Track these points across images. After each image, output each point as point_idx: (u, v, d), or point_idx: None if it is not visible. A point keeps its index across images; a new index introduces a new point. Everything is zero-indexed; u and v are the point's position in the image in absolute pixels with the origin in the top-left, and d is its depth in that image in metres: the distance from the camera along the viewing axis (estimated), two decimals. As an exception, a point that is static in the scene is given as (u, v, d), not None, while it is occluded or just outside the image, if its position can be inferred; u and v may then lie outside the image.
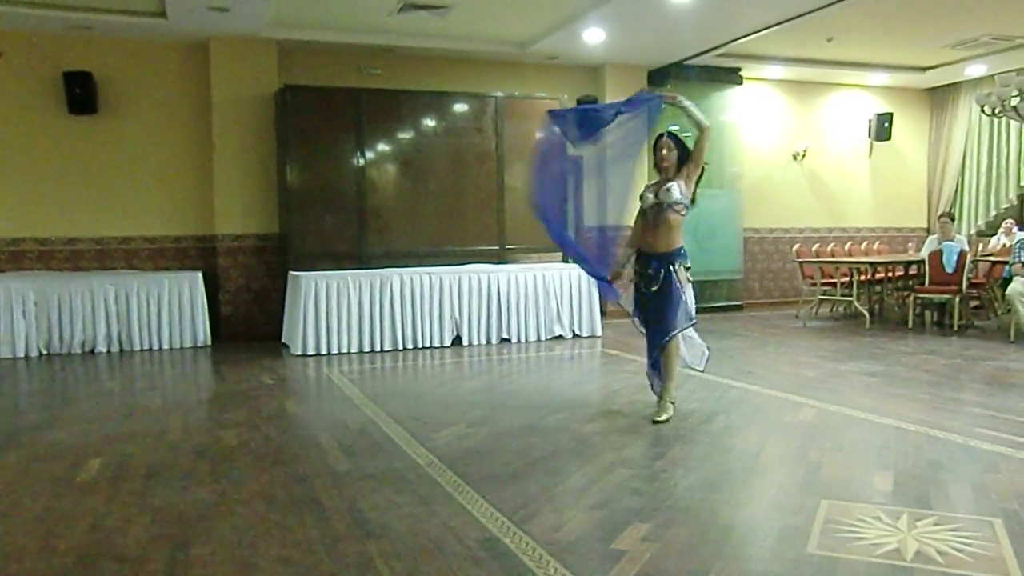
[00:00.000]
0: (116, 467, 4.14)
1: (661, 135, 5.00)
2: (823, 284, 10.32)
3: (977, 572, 2.73)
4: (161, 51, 9.02)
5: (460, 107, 9.40)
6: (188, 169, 9.16)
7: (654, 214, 4.91)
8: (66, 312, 8.10)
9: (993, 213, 12.10)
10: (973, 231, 12.22)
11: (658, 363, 5.03)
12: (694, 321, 5.01)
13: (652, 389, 5.17)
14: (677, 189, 4.82)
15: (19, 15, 7.98)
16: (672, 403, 4.99)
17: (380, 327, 8.15)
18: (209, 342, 8.65)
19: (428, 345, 8.29)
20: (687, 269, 4.94)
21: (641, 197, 4.99)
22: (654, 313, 4.96)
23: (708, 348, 5.25)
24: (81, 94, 8.54)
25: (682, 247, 4.93)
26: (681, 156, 4.91)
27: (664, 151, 4.92)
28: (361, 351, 8.05)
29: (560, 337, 8.83)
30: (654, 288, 4.89)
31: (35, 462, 4.26)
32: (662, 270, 4.86)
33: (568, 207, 5.48)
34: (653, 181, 5.10)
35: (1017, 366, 6.81)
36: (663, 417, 4.87)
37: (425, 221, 9.19)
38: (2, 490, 3.83)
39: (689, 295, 4.95)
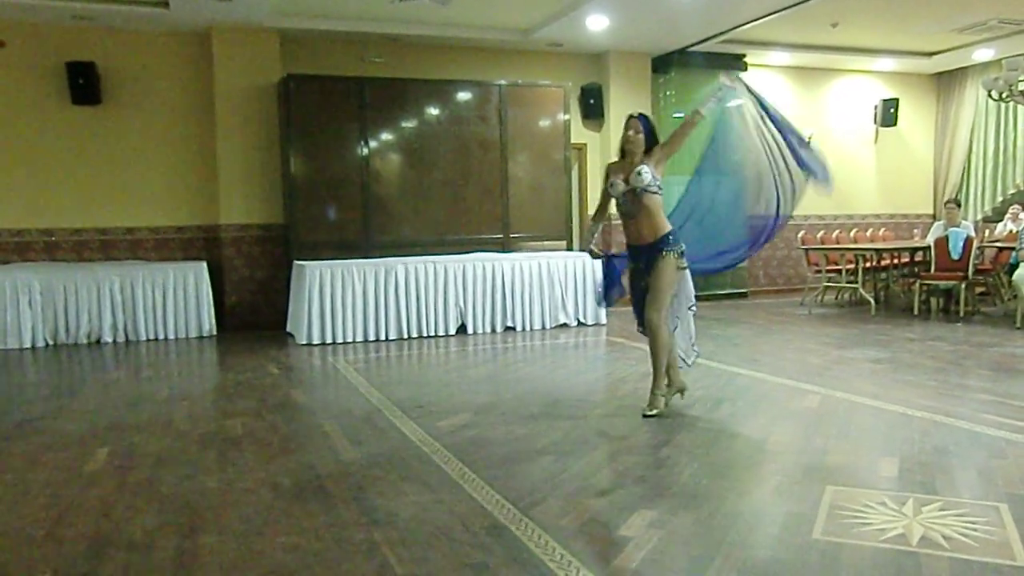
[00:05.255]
0: (123, 456, 4.16)
1: (631, 116, 4.73)
2: (828, 271, 10.30)
3: (983, 557, 2.73)
4: (164, 41, 9.00)
5: (464, 95, 9.37)
6: (192, 159, 9.17)
7: (630, 201, 4.64)
8: (72, 303, 8.13)
9: (1000, 199, 12.05)
10: (980, 217, 12.17)
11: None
12: (693, 308, 4.84)
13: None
14: (648, 172, 4.56)
15: (22, 5, 7.98)
16: (663, 396, 4.76)
17: (385, 316, 8.16)
18: (214, 332, 8.68)
19: (433, 334, 8.30)
20: (680, 255, 4.63)
21: (610, 184, 4.70)
22: (647, 299, 4.72)
23: (698, 351, 5.03)
24: (84, 84, 8.54)
25: (670, 232, 4.63)
26: (648, 140, 4.66)
27: (631, 132, 4.67)
28: (366, 340, 8.06)
29: (565, 325, 8.83)
30: (644, 283, 4.70)
31: (43, 452, 4.29)
32: (651, 260, 4.64)
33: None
34: (614, 161, 4.84)
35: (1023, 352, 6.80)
36: (652, 412, 4.68)
37: (429, 210, 9.19)
38: (11, 479, 3.85)
39: (686, 284, 4.76)
